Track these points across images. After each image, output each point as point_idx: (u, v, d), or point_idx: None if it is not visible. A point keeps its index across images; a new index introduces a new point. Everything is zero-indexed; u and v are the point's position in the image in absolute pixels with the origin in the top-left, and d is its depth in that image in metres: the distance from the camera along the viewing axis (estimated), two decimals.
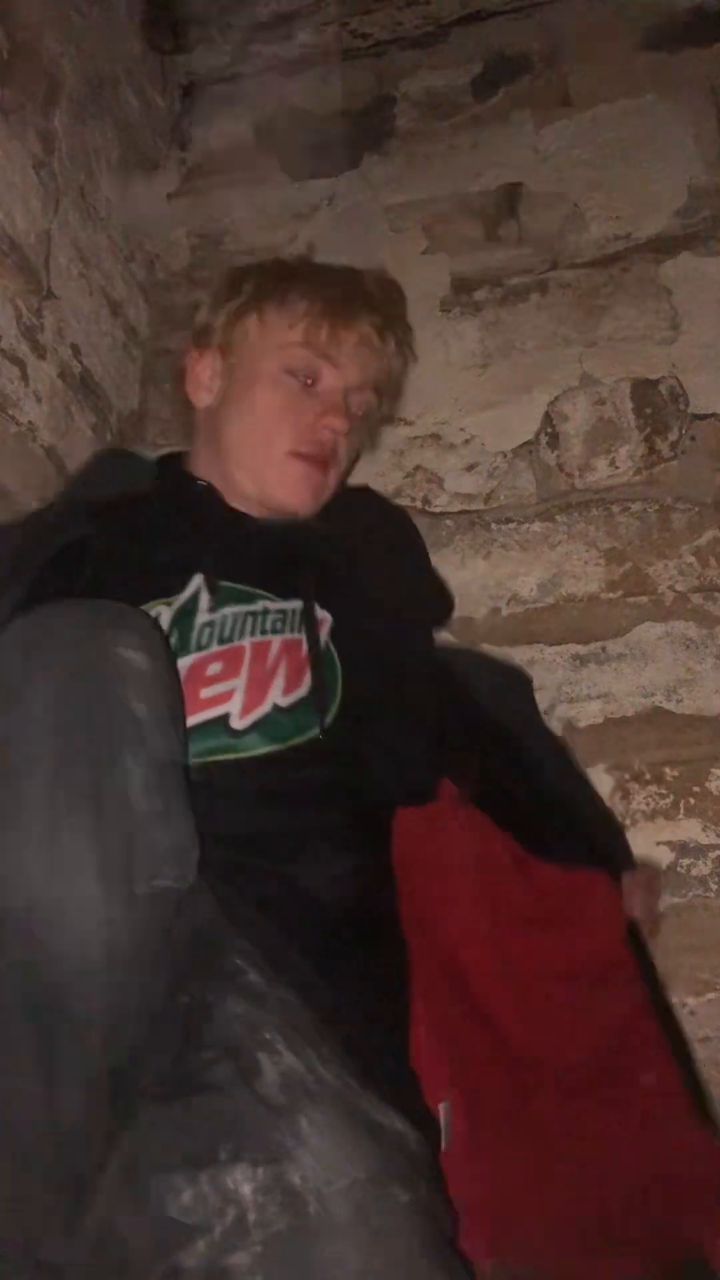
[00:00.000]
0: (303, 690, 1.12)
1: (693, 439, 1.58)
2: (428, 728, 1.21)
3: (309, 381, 1.25)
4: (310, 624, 1.16)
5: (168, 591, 1.15)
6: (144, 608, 1.12)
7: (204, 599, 1.15)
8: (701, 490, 1.56)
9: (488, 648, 1.56)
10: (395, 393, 1.39)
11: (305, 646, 1.14)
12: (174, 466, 1.34)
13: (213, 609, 1.14)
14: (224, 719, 1.07)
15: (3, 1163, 0.74)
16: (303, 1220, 0.67)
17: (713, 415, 1.58)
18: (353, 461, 1.35)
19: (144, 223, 1.81)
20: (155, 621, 0.99)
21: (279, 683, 1.11)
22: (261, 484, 1.24)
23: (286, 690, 1.11)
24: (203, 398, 1.31)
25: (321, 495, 1.27)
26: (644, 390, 1.61)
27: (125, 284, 1.72)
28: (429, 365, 1.70)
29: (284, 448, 1.23)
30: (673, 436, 1.59)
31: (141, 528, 1.24)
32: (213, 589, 1.16)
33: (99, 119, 1.66)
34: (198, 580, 1.16)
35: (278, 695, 1.10)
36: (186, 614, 1.13)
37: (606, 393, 1.63)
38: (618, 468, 1.59)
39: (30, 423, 1.41)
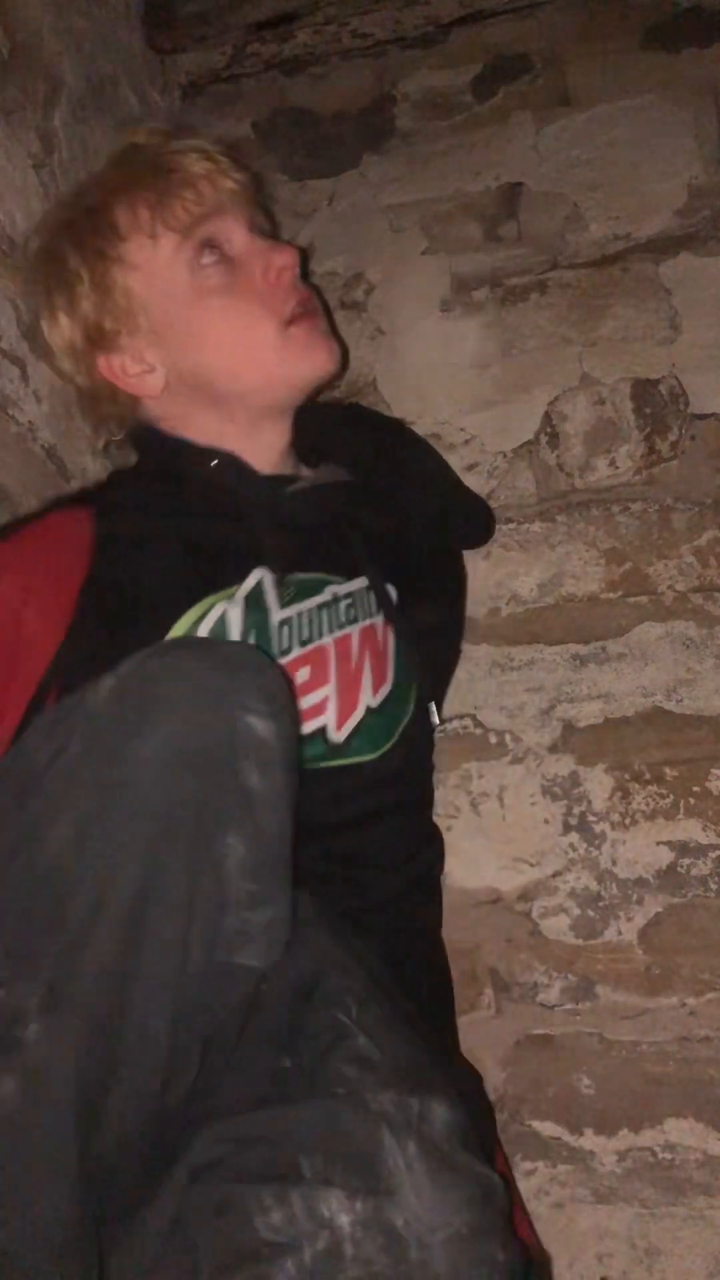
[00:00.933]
0: (388, 686, 1.08)
1: (693, 439, 1.58)
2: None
3: (217, 254, 1.13)
4: (386, 605, 1.10)
5: (222, 583, 1.06)
6: (201, 603, 1.04)
7: (270, 594, 1.07)
8: (701, 490, 1.56)
9: (486, 648, 1.56)
10: (268, 196, 1.27)
11: (380, 632, 1.09)
12: (165, 436, 1.20)
13: (284, 604, 1.07)
14: (321, 731, 1.03)
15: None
16: (404, 1265, 0.66)
17: (713, 415, 1.58)
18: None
19: None
20: (287, 678, 0.90)
21: (366, 681, 1.06)
22: (282, 378, 1.13)
23: (375, 688, 1.07)
24: (152, 381, 1.17)
25: (333, 341, 1.16)
26: (644, 390, 1.61)
27: None
28: (429, 365, 1.70)
29: (271, 328, 1.12)
30: (673, 436, 1.59)
31: (168, 507, 1.13)
32: (280, 582, 1.08)
33: (99, 119, 1.66)
34: (259, 573, 1.08)
35: (368, 696, 1.06)
36: (258, 612, 1.06)
37: (606, 393, 1.63)
38: (618, 468, 1.60)
39: (30, 423, 1.41)
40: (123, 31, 1.76)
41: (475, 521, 1.39)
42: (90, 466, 1.57)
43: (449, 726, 1.54)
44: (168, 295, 1.12)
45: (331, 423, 1.26)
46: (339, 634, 1.07)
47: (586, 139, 1.74)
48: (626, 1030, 1.39)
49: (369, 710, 1.06)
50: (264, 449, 1.17)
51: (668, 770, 1.46)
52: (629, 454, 1.60)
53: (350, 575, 1.13)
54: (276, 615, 1.06)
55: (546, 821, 1.48)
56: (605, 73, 1.75)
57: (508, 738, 1.53)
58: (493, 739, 1.53)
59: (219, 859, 0.74)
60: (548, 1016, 1.42)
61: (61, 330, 1.18)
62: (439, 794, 1.51)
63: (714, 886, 1.41)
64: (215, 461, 1.14)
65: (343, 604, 1.10)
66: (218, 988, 0.77)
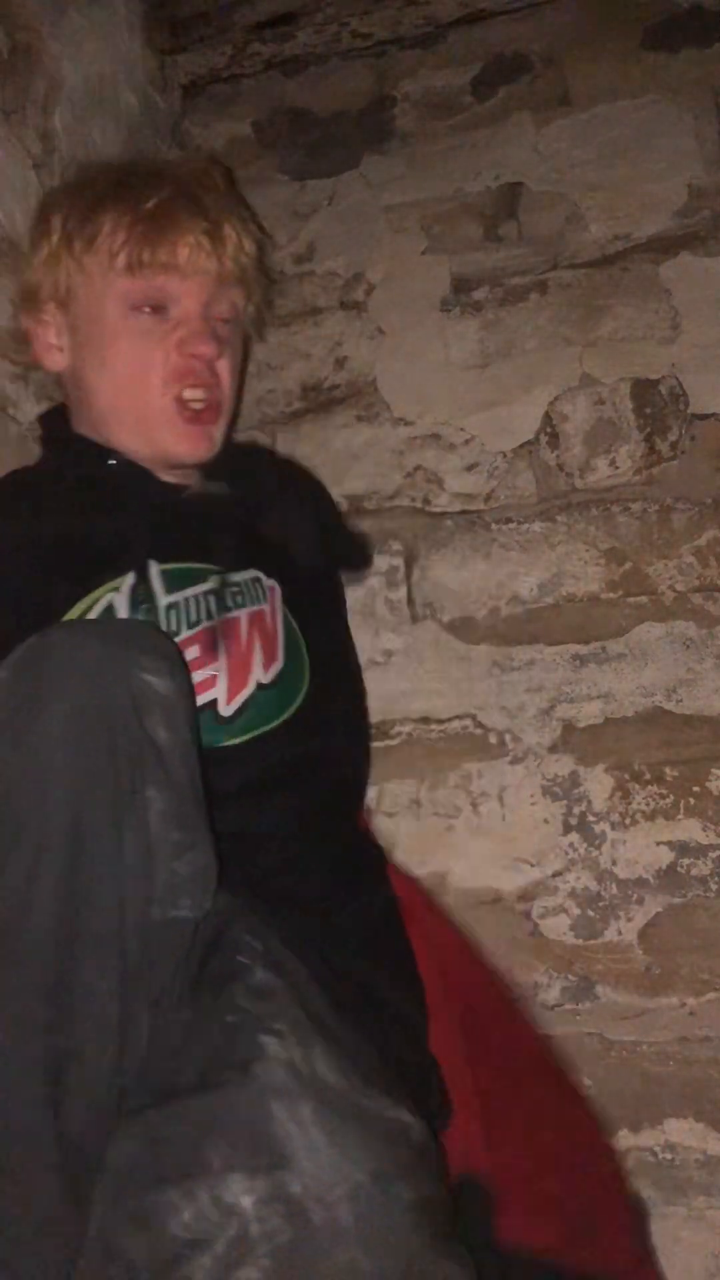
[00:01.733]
0: (279, 664, 1.09)
1: (693, 439, 1.58)
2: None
3: (158, 310, 1.14)
4: (273, 595, 1.13)
5: (111, 576, 1.09)
6: (91, 595, 1.07)
7: (158, 582, 1.10)
8: (701, 490, 1.56)
9: (486, 648, 1.56)
10: (263, 278, 1.26)
11: (269, 617, 1.11)
12: (69, 433, 1.23)
13: (170, 591, 1.09)
14: (211, 705, 1.04)
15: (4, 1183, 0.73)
16: (308, 1230, 0.66)
17: (713, 415, 1.58)
18: (240, 373, 1.24)
19: None
20: (174, 641, 0.94)
21: (257, 659, 1.08)
22: (151, 442, 1.15)
23: (266, 665, 1.08)
24: (55, 359, 1.20)
25: (216, 435, 1.18)
26: (644, 390, 1.61)
27: None
28: (429, 365, 1.70)
29: (161, 396, 1.13)
30: (673, 436, 1.59)
31: (60, 506, 1.15)
32: (167, 573, 1.10)
33: (99, 119, 1.66)
34: (148, 562, 1.10)
35: (259, 673, 1.08)
36: (146, 599, 1.08)
37: (606, 393, 1.63)
38: (618, 468, 1.60)
39: (31, 423, 1.41)
40: (123, 31, 1.76)
41: (355, 548, 1.44)
42: None
43: (449, 726, 1.54)
44: (96, 316, 1.15)
45: (230, 453, 1.29)
46: (226, 616, 1.09)
47: (586, 139, 1.74)
48: (626, 1030, 1.39)
49: (259, 685, 1.07)
50: (154, 464, 1.19)
51: (668, 770, 1.46)
52: (629, 454, 1.60)
53: (238, 568, 1.14)
54: (163, 600, 1.08)
55: (546, 821, 1.48)
56: (605, 73, 1.75)
57: (508, 738, 1.53)
58: (493, 739, 1.53)
59: (141, 812, 0.76)
60: (548, 1017, 1.42)
61: (23, 273, 1.23)
62: (439, 794, 1.51)
63: (714, 886, 1.41)
64: (113, 462, 1.17)
65: (229, 590, 1.12)
66: (157, 943, 0.77)
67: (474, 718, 1.54)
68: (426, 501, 1.65)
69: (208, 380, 1.15)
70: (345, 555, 1.39)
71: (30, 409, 1.41)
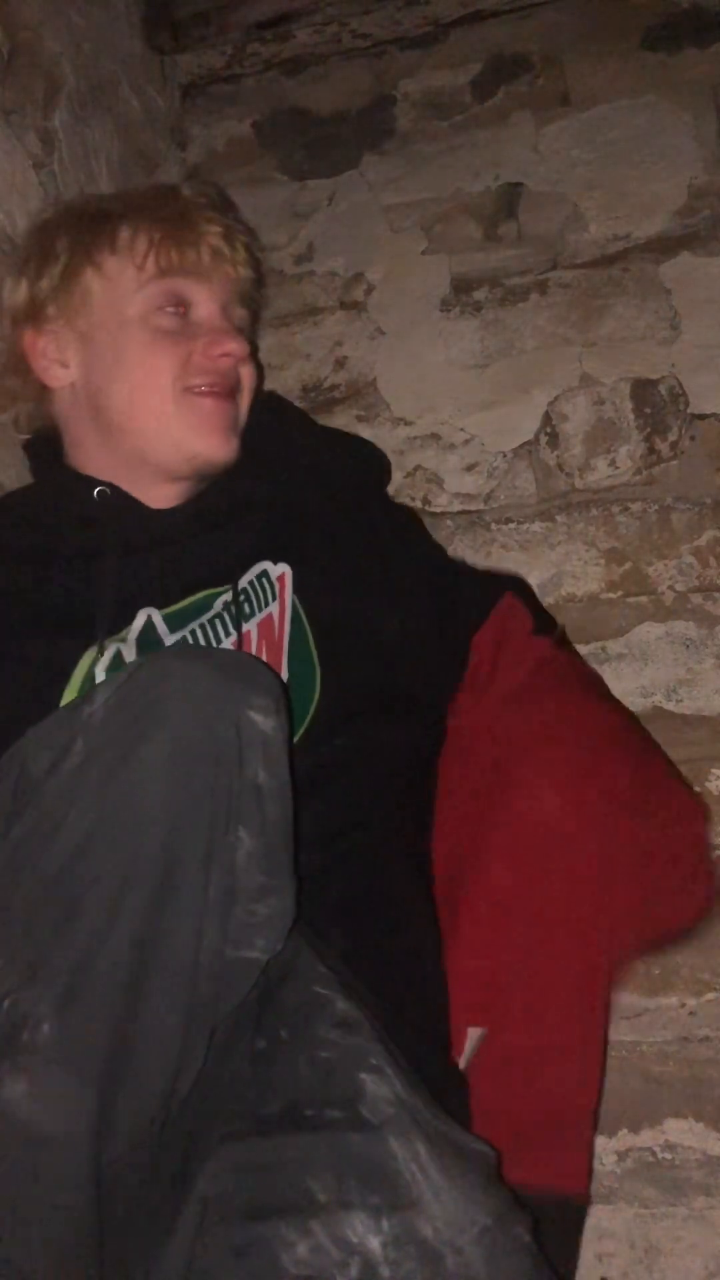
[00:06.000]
0: (284, 675, 1.06)
1: (693, 439, 1.58)
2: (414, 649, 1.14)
3: (181, 310, 1.14)
4: (242, 606, 1.09)
5: (111, 629, 1.07)
6: (92, 650, 1.06)
7: (161, 626, 1.08)
8: (701, 490, 1.56)
9: None
10: (261, 301, 1.26)
11: (276, 622, 1.08)
12: (58, 467, 1.21)
13: (174, 629, 1.08)
14: None
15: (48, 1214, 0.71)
16: (441, 1275, 0.65)
17: (713, 415, 1.58)
18: (259, 388, 1.23)
19: None
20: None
21: None
22: (173, 441, 1.12)
23: None
24: (60, 375, 1.17)
25: (236, 432, 1.16)
26: (644, 390, 1.61)
27: None
28: (429, 365, 1.70)
29: (179, 387, 1.12)
30: (673, 436, 1.59)
31: (52, 553, 1.13)
32: (167, 614, 1.09)
33: (99, 119, 1.66)
34: (146, 611, 1.09)
35: None
36: (152, 646, 1.06)
37: (606, 393, 1.63)
38: (618, 468, 1.60)
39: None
40: (123, 31, 1.76)
41: (368, 460, 1.34)
42: None
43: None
44: (117, 315, 1.14)
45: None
46: (235, 637, 1.08)
47: (586, 139, 1.74)
48: (626, 1030, 1.39)
49: None
50: (154, 493, 1.16)
51: None
52: (629, 454, 1.60)
53: (244, 568, 1.11)
54: (170, 640, 1.08)
55: None
56: (605, 73, 1.75)
57: None
58: None
59: (230, 851, 0.74)
60: None
61: (18, 293, 1.20)
62: None
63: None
64: (97, 493, 1.15)
65: (231, 611, 1.09)
66: (225, 981, 0.76)
67: None
68: (426, 501, 1.65)
69: (232, 383, 1.15)
70: (360, 478, 1.31)
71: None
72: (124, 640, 1.07)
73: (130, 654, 1.06)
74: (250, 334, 1.25)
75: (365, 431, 1.69)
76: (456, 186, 1.77)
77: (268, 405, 1.26)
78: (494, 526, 1.62)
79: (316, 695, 1.06)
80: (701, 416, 1.59)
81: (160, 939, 0.72)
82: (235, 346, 1.13)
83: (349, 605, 1.12)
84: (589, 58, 1.76)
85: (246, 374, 1.17)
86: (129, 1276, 0.73)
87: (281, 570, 1.12)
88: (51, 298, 1.17)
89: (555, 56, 1.78)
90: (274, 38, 1.84)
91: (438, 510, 1.64)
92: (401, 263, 1.75)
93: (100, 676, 1.05)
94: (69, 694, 1.05)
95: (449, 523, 1.63)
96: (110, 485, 1.14)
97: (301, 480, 1.20)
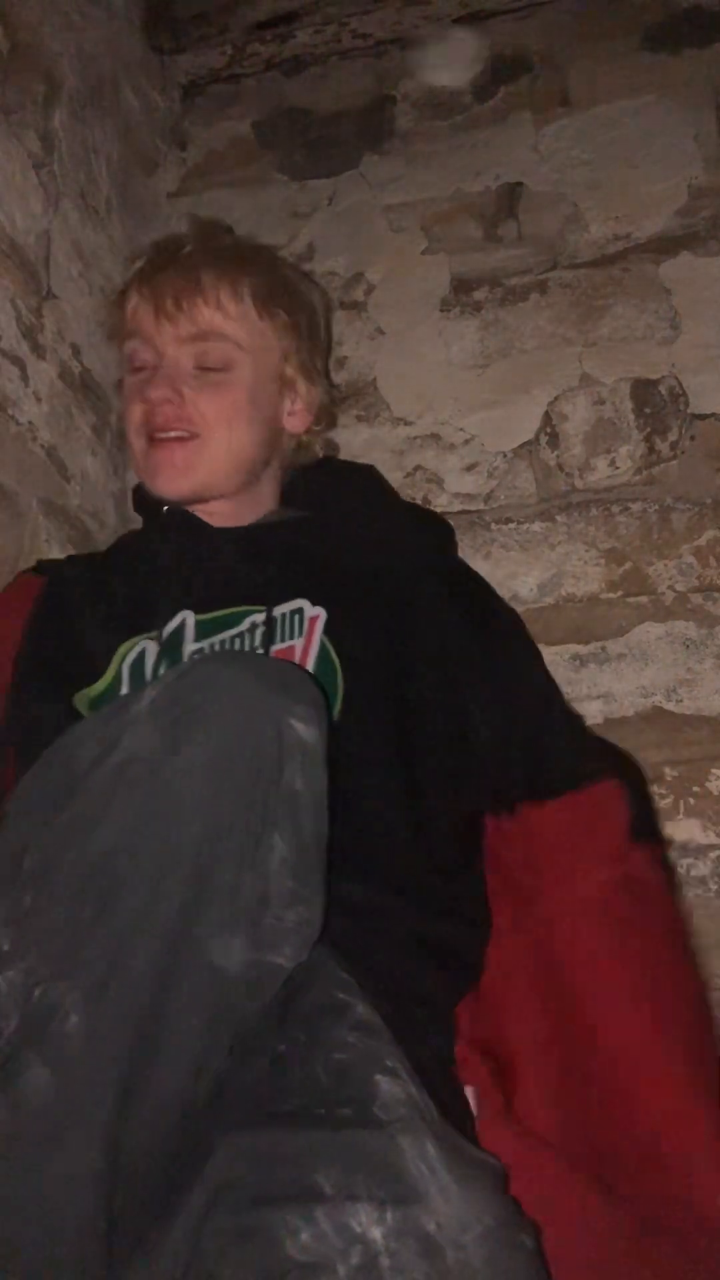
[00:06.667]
0: None
1: (693, 439, 1.58)
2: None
3: (138, 368, 1.24)
4: (270, 632, 1.13)
5: (151, 626, 1.14)
6: (128, 641, 1.13)
7: (189, 631, 1.13)
8: (701, 490, 1.56)
9: None
10: (264, 327, 1.26)
11: (299, 654, 1.11)
12: (147, 496, 1.30)
13: (199, 638, 1.12)
14: None
15: (66, 1187, 0.72)
16: (441, 1269, 0.66)
17: (713, 415, 1.58)
18: (241, 411, 1.23)
19: (143, 223, 1.81)
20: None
21: None
22: (147, 485, 1.24)
23: None
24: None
25: (196, 469, 1.21)
26: (644, 390, 1.61)
27: None
28: (429, 365, 1.70)
29: (139, 440, 1.22)
30: (673, 436, 1.59)
31: (122, 565, 1.25)
32: (199, 622, 1.14)
33: (99, 119, 1.66)
34: (183, 614, 1.14)
35: None
36: (174, 649, 1.11)
37: (606, 393, 1.63)
38: (618, 468, 1.60)
39: (30, 423, 1.41)
40: (123, 31, 1.76)
41: (438, 531, 1.38)
42: (90, 467, 1.57)
43: None
44: (122, 375, 1.30)
45: (303, 475, 1.34)
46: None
47: (586, 139, 1.74)
48: None
49: None
50: (210, 515, 1.25)
51: (668, 770, 1.46)
52: (629, 454, 1.60)
53: (283, 601, 1.15)
54: (189, 647, 1.12)
55: None
56: (605, 73, 1.75)
57: None
58: None
59: (265, 857, 0.75)
60: None
61: None
62: None
63: (714, 886, 1.41)
64: (165, 510, 1.25)
65: (259, 631, 1.13)
66: (251, 986, 0.77)
67: None
68: (426, 501, 1.65)
69: (167, 419, 1.20)
70: (425, 546, 1.33)
71: (30, 409, 1.41)
72: (153, 638, 1.13)
73: (152, 650, 1.11)
74: (258, 363, 1.25)
75: (365, 431, 1.69)
76: (456, 186, 1.77)
77: (360, 478, 1.38)
78: (494, 526, 1.62)
79: (339, 701, 1.08)
80: (701, 416, 1.59)
81: (192, 939, 0.73)
82: (152, 391, 1.20)
83: (382, 652, 1.12)
84: (589, 58, 1.77)
85: (204, 405, 1.21)
86: (131, 1255, 0.73)
87: (317, 613, 1.15)
88: (118, 361, 1.33)
89: (555, 56, 1.78)
90: (274, 38, 1.85)
91: (437, 510, 1.64)
92: (401, 263, 1.75)
93: (127, 670, 1.11)
94: (106, 677, 1.11)
95: (449, 523, 1.63)
96: (175, 505, 1.24)
97: (364, 541, 1.25)
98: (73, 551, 1.47)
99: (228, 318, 1.24)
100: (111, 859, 0.73)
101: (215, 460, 1.22)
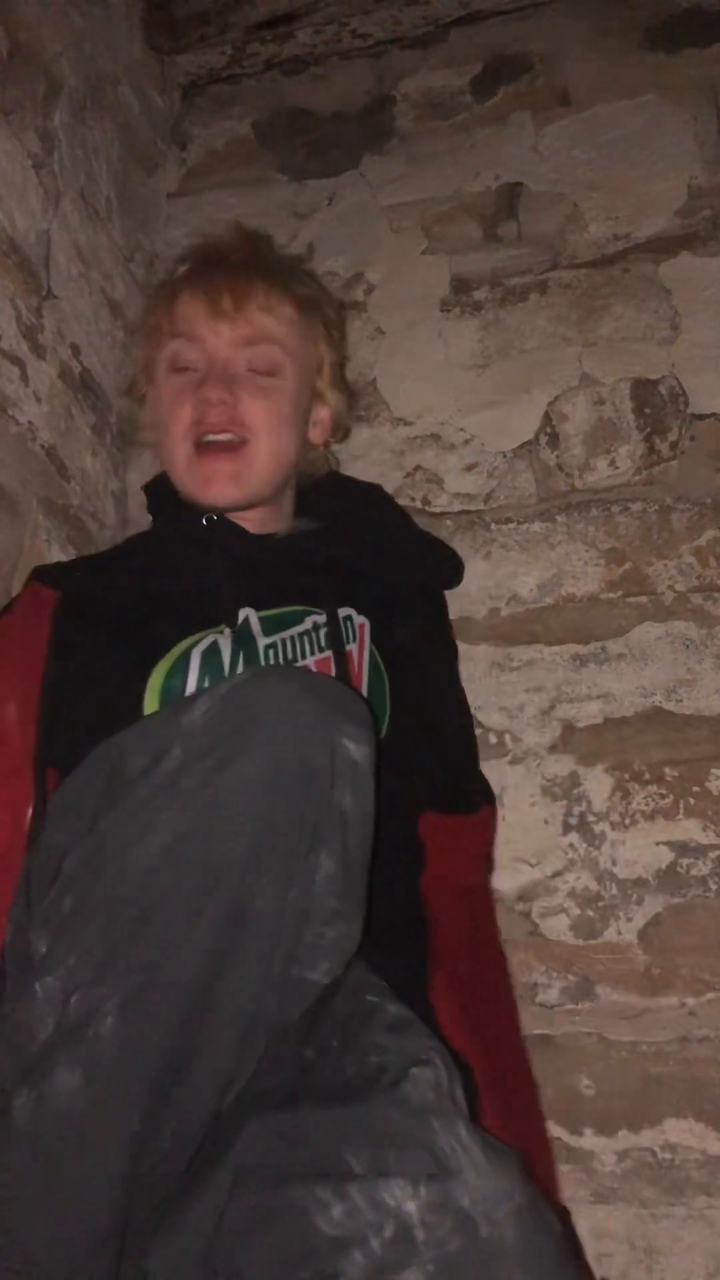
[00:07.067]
0: None
1: (693, 439, 1.58)
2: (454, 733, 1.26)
3: (182, 371, 1.23)
4: (338, 637, 1.17)
5: (212, 623, 1.14)
6: (194, 636, 1.12)
7: (256, 626, 1.14)
8: (701, 490, 1.56)
9: (486, 648, 1.56)
10: (308, 336, 1.30)
11: (355, 659, 1.15)
12: (172, 504, 1.31)
13: (268, 633, 1.14)
14: None
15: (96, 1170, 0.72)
16: (475, 1242, 0.67)
17: (713, 415, 1.58)
18: (285, 419, 1.27)
19: (143, 223, 1.81)
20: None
21: None
22: (189, 491, 1.23)
23: None
24: (149, 434, 1.31)
25: (245, 477, 1.22)
26: (644, 390, 1.61)
27: (125, 284, 1.72)
28: (429, 365, 1.70)
29: (184, 444, 1.21)
30: (673, 436, 1.59)
31: (168, 565, 1.23)
32: (265, 617, 1.15)
33: (99, 119, 1.66)
34: (245, 611, 1.15)
35: None
36: (247, 642, 1.12)
37: (606, 393, 1.63)
38: (617, 468, 1.59)
39: (30, 423, 1.41)
40: (123, 31, 1.76)
41: (445, 562, 1.45)
42: (90, 466, 1.57)
43: None
44: (155, 385, 1.28)
45: (316, 487, 1.37)
46: (319, 656, 1.13)
47: (586, 139, 1.74)
48: (626, 1030, 1.39)
49: None
50: (245, 522, 1.25)
51: (667, 770, 1.46)
52: (629, 454, 1.60)
53: (329, 608, 1.19)
54: (262, 641, 1.13)
55: (546, 822, 1.48)
56: (605, 73, 1.75)
57: (507, 738, 1.53)
58: (492, 739, 1.53)
59: (310, 873, 0.75)
60: (547, 1017, 1.42)
61: (139, 358, 1.38)
62: None
63: (714, 886, 1.41)
64: (205, 519, 1.24)
65: (322, 631, 1.16)
66: (286, 1000, 0.77)
67: (474, 717, 1.54)
68: (426, 501, 1.65)
69: (221, 420, 1.20)
70: (434, 571, 1.43)
71: (30, 409, 1.41)
72: (222, 632, 1.13)
73: (226, 644, 1.11)
74: (300, 371, 1.29)
75: (365, 431, 1.69)
76: (456, 186, 1.77)
77: (375, 495, 1.41)
78: (494, 526, 1.62)
79: (383, 734, 1.12)
80: (701, 416, 1.59)
81: (233, 951, 0.73)
82: (209, 391, 1.19)
83: (413, 668, 1.22)
84: (589, 58, 1.77)
85: (251, 412, 1.22)
86: (153, 1237, 0.74)
87: (363, 621, 1.21)
88: (144, 363, 1.32)
89: (555, 56, 1.78)
90: (274, 38, 1.85)
91: (437, 510, 1.64)
92: (401, 263, 1.75)
93: (195, 658, 1.11)
94: (159, 670, 1.10)
95: (449, 523, 1.63)
96: (217, 513, 1.23)
97: (389, 556, 1.31)
98: (73, 551, 1.47)
99: (279, 323, 1.26)
100: (157, 870, 0.73)
101: (262, 467, 1.23)
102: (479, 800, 1.31)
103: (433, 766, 1.21)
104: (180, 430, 1.21)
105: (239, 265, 1.28)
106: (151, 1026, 0.71)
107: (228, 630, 1.13)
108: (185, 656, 1.10)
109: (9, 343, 1.38)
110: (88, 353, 1.58)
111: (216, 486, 1.20)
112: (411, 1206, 0.68)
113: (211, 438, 1.20)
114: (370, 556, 1.28)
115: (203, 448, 1.20)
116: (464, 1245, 0.67)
